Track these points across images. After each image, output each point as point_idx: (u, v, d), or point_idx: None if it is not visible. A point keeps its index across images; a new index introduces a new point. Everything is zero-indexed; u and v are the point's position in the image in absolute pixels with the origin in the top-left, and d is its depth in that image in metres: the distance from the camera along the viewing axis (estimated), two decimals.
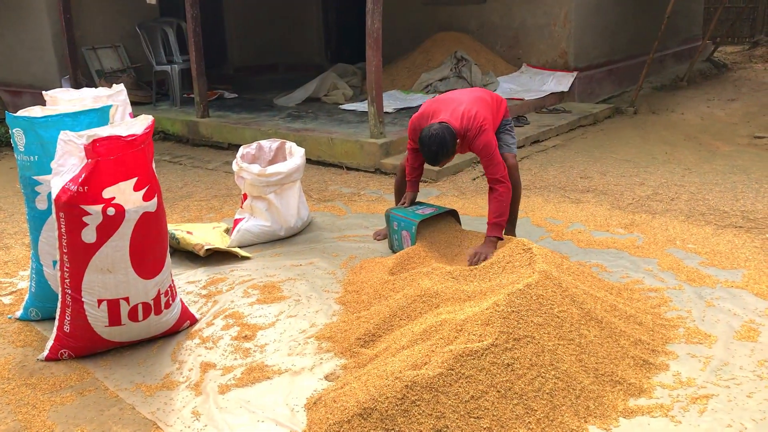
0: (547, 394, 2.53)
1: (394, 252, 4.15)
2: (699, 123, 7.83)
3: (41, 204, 3.32)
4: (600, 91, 9.25)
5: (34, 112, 3.33)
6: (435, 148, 3.74)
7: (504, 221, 3.79)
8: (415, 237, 3.91)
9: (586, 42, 8.86)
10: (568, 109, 8.18)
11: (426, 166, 4.29)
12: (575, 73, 8.61)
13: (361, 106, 7.93)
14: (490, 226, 3.77)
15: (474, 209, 5.06)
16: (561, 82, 8.57)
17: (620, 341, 2.89)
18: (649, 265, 3.92)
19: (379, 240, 4.46)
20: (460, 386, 2.47)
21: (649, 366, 2.83)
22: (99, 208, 2.91)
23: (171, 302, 3.26)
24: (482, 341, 2.60)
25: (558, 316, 2.81)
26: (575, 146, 6.94)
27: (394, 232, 4.14)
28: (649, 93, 9.53)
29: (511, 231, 4.23)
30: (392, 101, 8.05)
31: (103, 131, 2.96)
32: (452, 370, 2.49)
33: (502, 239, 3.75)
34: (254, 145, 4.88)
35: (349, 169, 6.42)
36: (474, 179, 5.84)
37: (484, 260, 3.59)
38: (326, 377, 2.88)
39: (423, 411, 2.39)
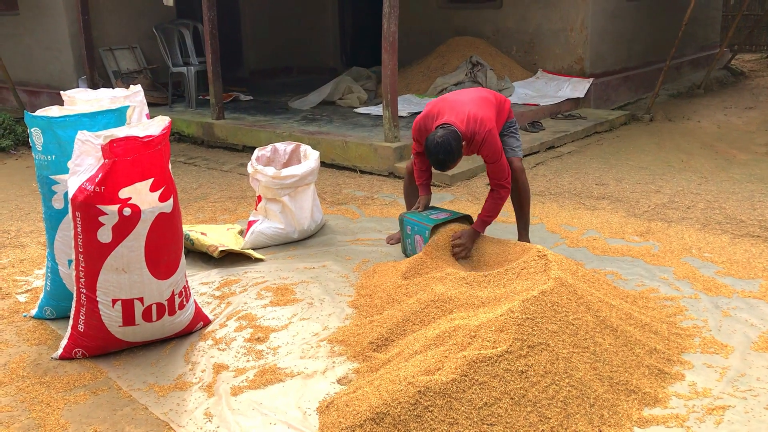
0: (561, 402, 2.51)
1: (407, 256, 4.14)
2: (716, 131, 7.77)
3: (58, 203, 3.34)
4: (616, 98, 9.21)
5: (52, 111, 3.35)
6: (442, 156, 3.70)
7: (491, 220, 3.97)
8: (429, 241, 3.91)
9: (603, 48, 8.83)
10: (584, 115, 8.15)
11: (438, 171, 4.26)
12: (591, 80, 8.58)
13: (376, 110, 7.94)
14: (478, 221, 3.95)
15: None
16: (577, 88, 8.54)
17: (635, 350, 2.87)
18: (664, 273, 3.89)
19: (392, 244, 4.45)
20: (473, 393, 2.45)
21: (665, 375, 2.80)
22: (115, 208, 2.92)
23: (185, 303, 3.26)
24: (496, 348, 2.59)
25: (573, 324, 2.79)
26: (591, 153, 6.90)
27: (408, 237, 4.14)
28: (665, 100, 9.47)
29: (524, 236, 4.22)
30: (407, 105, 8.04)
31: (120, 132, 2.97)
32: (466, 376, 2.48)
33: (482, 234, 3.98)
34: (269, 147, 4.89)
35: (362, 172, 6.42)
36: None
37: (464, 253, 3.87)
38: (339, 381, 2.87)
39: (436, 417, 2.38)
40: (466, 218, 4.12)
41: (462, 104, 3.88)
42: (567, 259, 3.49)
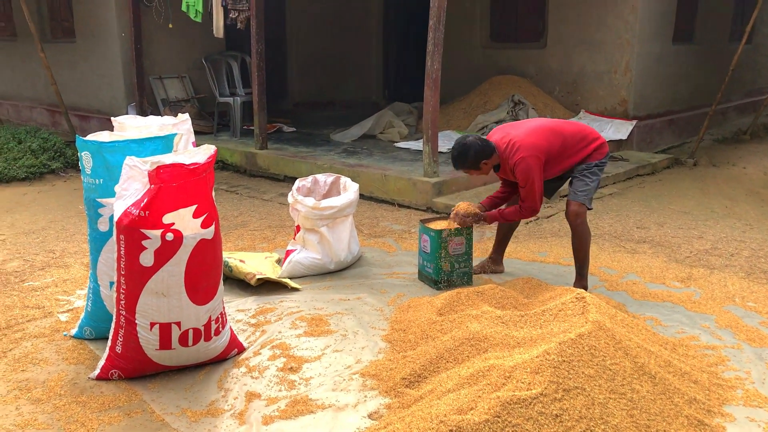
0: None
1: (423, 274, 4.32)
2: (762, 178, 7.62)
3: (103, 226, 3.42)
4: (659, 141, 9.11)
5: (103, 136, 3.43)
6: (455, 153, 4.02)
7: (501, 221, 4.24)
8: (436, 240, 4.17)
9: (647, 91, 8.77)
10: (626, 157, 8.08)
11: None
12: (634, 122, 8.52)
13: (416, 145, 7.98)
14: (494, 211, 4.19)
15: (526, 254, 5.01)
16: (619, 129, 8.48)
17: (674, 399, 2.79)
18: (706, 321, 3.80)
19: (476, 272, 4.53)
20: None
21: (704, 427, 2.72)
22: (158, 233, 2.98)
23: (221, 329, 3.29)
24: (531, 390, 2.55)
25: (610, 369, 2.73)
26: (632, 195, 6.83)
27: (420, 245, 4.37)
28: (709, 145, 9.34)
29: (578, 280, 4.18)
30: (447, 141, 8.07)
31: (167, 158, 3.04)
32: (499, 417, 2.44)
33: (488, 224, 4.31)
34: (310, 178, 4.95)
35: (400, 206, 6.44)
36: (527, 223, 5.78)
37: (460, 222, 4.19)
38: (370, 415, 2.85)
39: None
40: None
41: (517, 129, 4.05)
42: (606, 302, 3.44)
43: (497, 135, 4.06)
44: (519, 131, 3.99)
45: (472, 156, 3.96)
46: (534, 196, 3.93)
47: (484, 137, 4.05)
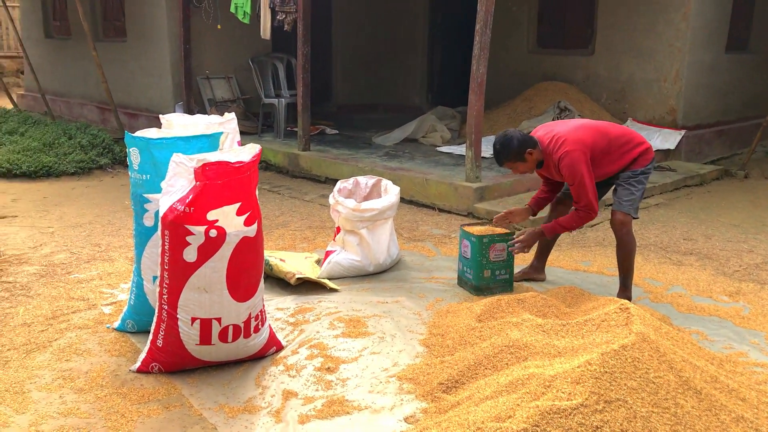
0: None
1: (463, 280, 4.30)
2: None
3: (148, 221, 3.47)
4: (709, 152, 8.89)
5: (150, 133, 3.49)
6: (498, 145, 3.92)
7: (560, 231, 4.05)
8: (476, 246, 4.11)
9: (697, 100, 8.58)
10: (674, 167, 7.90)
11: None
12: (683, 132, 8.33)
13: (458, 149, 7.94)
14: (551, 224, 4.04)
15: (569, 263, 4.93)
16: (667, 139, 8.30)
17: (720, 416, 2.70)
18: (755, 337, 3.68)
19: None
20: None
21: None
22: (202, 229, 3.01)
23: (260, 327, 3.31)
24: (571, 400, 2.50)
25: (653, 382, 2.66)
26: (679, 206, 6.67)
27: (460, 250, 4.32)
28: (762, 157, 9.08)
29: (622, 291, 4.09)
30: (490, 147, 7.99)
31: (212, 156, 3.07)
32: (537, 426, 2.40)
33: (546, 238, 4.18)
34: (351, 180, 4.96)
35: (441, 210, 6.41)
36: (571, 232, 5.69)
37: (523, 251, 4.08)
38: (405, 419, 2.84)
39: None
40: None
41: (561, 125, 3.98)
42: (650, 314, 3.36)
43: (541, 131, 4.00)
44: (563, 127, 3.93)
45: (515, 146, 3.84)
46: (587, 192, 3.79)
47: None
